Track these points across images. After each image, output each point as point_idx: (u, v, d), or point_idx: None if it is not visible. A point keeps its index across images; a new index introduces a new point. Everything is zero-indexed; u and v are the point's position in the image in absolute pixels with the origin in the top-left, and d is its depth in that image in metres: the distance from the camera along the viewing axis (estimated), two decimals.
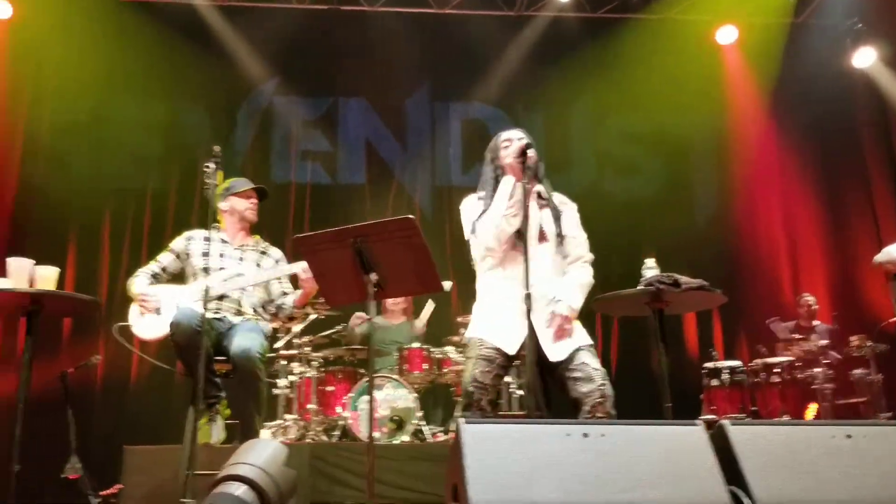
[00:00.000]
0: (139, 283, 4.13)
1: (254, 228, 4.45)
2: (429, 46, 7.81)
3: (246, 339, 3.77)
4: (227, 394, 4.01)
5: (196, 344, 3.52)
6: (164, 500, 4.66)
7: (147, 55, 7.53)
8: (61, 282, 4.33)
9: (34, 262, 3.85)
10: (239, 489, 0.94)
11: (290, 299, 4.16)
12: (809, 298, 7.11)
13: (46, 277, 3.84)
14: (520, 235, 3.17)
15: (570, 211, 3.41)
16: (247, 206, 4.30)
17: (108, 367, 6.91)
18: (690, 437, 2.31)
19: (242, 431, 3.72)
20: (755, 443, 2.29)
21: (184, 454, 3.60)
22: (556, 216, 3.30)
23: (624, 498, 2.14)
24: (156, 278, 4.21)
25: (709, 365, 5.99)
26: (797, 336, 6.62)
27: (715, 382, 5.85)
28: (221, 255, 4.16)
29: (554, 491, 2.12)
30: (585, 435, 2.27)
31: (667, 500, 2.16)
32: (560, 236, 3.31)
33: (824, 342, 6.48)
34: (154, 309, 4.00)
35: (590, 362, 3.11)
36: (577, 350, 3.13)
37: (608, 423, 2.35)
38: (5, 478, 3.77)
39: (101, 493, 4.39)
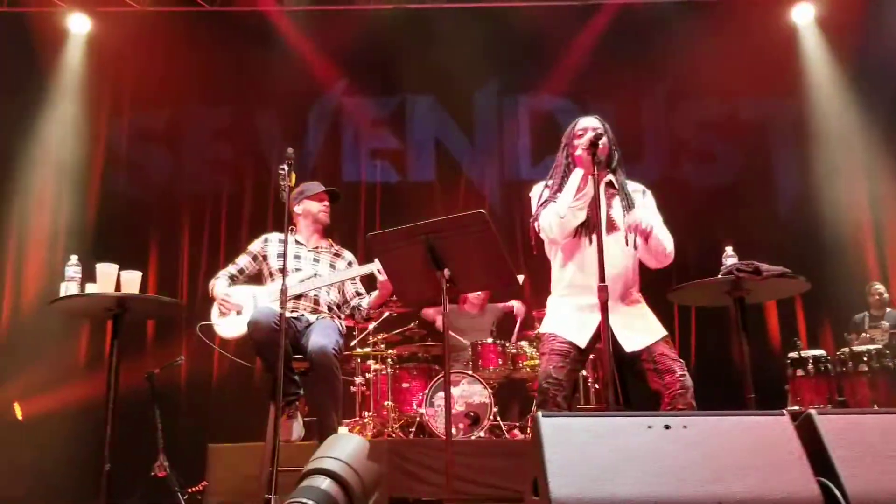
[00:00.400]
0: (219, 284, 4.24)
1: (326, 228, 4.52)
2: (495, 40, 7.77)
3: (322, 337, 3.82)
4: (305, 391, 4.08)
5: (274, 342, 3.59)
6: (247, 496, 4.77)
7: (219, 63, 7.72)
8: (144, 285, 4.48)
9: (119, 266, 4.00)
10: (324, 482, 0.95)
11: (366, 301, 4.23)
12: (880, 287, 6.85)
13: (131, 281, 3.97)
14: (590, 226, 3.13)
15: (644, 199, 3.34)
16: (320, 209, 4.38)
17: (190, 368, 7.11)
18: (776, 428, 2.24)
19: (320, 428, 3.77)
20: (845, 433, 2.21)
21: (266, 451, 3.67)
22: (627, 206, 3.24)
23: (709, 490, 2.09)
24: (234, 279, 4.31)
25: (793, 355, 5.82)
26: (871, 325, 6.42)
27: (800, 373, 5.68)
28: (297, 257, 4.25)
29: (636, 484, 2.08)
30: (667, 427, 2.22)
31: (753, 493, 2.10)
32: (630, 226, 3.24)
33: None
34: (235, 309, 4.10)
35: (668, 353, 3.06)
36: (655, 342, 3.08)
37: (690, 415, 2.30)
38: (97, 477, 3.91)
39: (187, 489, 4.52)
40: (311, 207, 4.36)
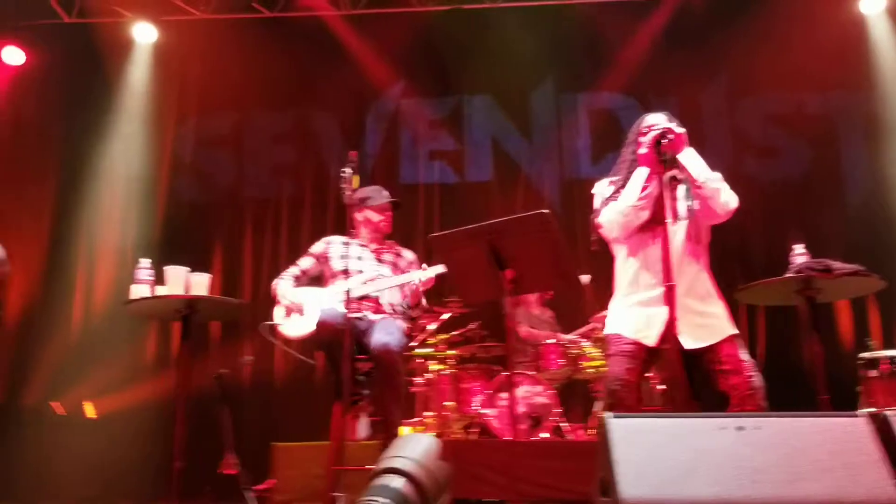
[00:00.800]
0: (283, 284, 4.32)
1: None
2: (552, 38, 7.71)
3: (386, 334, 3.86)
4: (368, 390, 4.11)
5: (341, 342, 3.63)
6: (313, 494, 4.84)
7: (279, 67, 7.82)
8: (210, 287, 4.59)
9: (189, 269, 4.10)
10: (397, 481, 0.96)
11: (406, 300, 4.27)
12: None
13: (200, 283, 4.09)
14: (654, 223, 3.09)
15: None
16: (381, 220, 4.44)
17: (255, 368, 7.25)
18: (852, 429, 2.20)
19: (384, 425, 3.80)
20: None
21: (331, 450, 3.72)
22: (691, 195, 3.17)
23: (784, 492, 2.06)
24: (297, 280, 4.38)
25: (865, 355, 5.65)
26: None
27: (873, 373, 5.50)
28: (359, 258, 4.29)
29: (710, 486, 2.06)
30: (740, 428, 2.19)
31: (830, 495, 2.06)
32: (691, 211, 3.17)
33: None
34: (299, 309, 4.16)
35: (736, 353, 3.01)
36: (723, 341, 3.03)
37: (763, 416, 2.26)
38: (168, 475, 4.02)
39: (255, 487, 4.60)
40: (372, 217, 4.41)
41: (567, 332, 6.48)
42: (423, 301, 4.27)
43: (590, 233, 3.35)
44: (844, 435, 2.19)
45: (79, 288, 7.61)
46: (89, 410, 7.14)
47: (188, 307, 4.09)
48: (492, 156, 8.06)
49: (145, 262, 4.15)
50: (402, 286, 4.32)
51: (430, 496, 1.03)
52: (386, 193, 4.48)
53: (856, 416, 2.26)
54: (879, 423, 2.25)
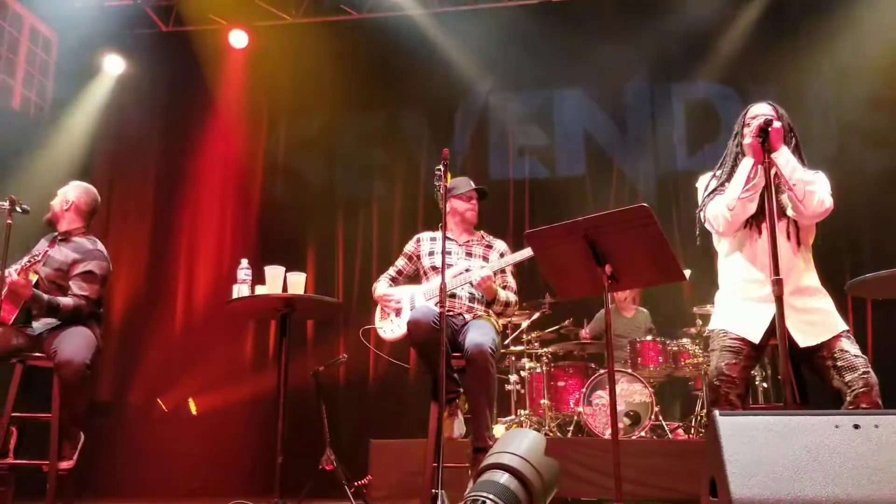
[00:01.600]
0: (380, 286, 4.34)
1: (475, 224, 4.50)
2: (644, 29, 7.54)
3: (479, 335, 3.83)
4: (463, 389, 4.10)
5: (434, 341, 3.63)
6: (410, 490, 4.90)
7: (368, 69, 7.97)
8: (305, 286, 4.68)
9: (285, 269, 4.20)
10: (503, 477, 0.96)
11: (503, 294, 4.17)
12: None
13: (297, 282, 4.18)
14: (761, 216, 3.00)
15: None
16: (466, 208, 4.35)
17: (348, 366, 7.35)
18: None
19: (474, 425, 3.77)
20: None
21: (428, 447, 3.74)
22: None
23: None
24: (394, 281, 4.40)
25: None
26: None
27: None
28: (448, 253, 4.21)
29: (826, 485, 1.98)
30: (856, 426, 2.10)
31: None
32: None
33: None
34: (395, 309, 4.19)
35: (849, 349, 2.89)
36: (835, 337, 2.91)
37: (881, 414, 2.15)
38: (268, 470, 4.12)
39: (354, 483, 4.67)
40: (457, 206, 4.34)
41: (666, 332, 6.36)
42: (504, 296, 4.16)
43: (695, 227, 3.27)
44: None
45: (180, 287, 7.91)
46: (192, 407, 7.40)
47: (286, 306, 4.19)
48: (584, 149, 7.96)
49: (244, 263, 4.26)
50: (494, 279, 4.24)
51: (537, 492, 1.01)
52: (471, 183, 4.41)
53: None
54: None
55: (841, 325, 2.96)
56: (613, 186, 7.73)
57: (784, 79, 7.43)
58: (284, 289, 4.16)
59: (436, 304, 3.83)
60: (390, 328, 4.20)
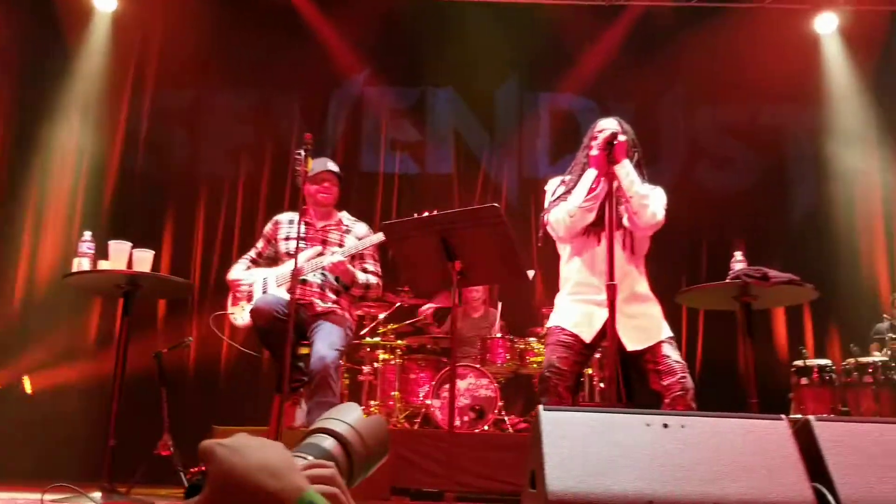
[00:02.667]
0: (234, 270, 4.23)
1: (335, 207, 4.40)
2: (519, 36, 7.75)
3: (324, 346, 3.75)
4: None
5: (276, 330, 3.60)
6: None
7: (242, 45, 7.74)
8: (158, 265, 4.53)
9: (132, 245, 4.06)
10: (326, 441, 0.99)
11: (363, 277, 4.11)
12: None
13: (143, 259, 4.03)
14: (600, 225, 3.16)
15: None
16: (317, 190, 4.22)
17: (199, 350, 7.15)
18: (774, 432, 2.27)
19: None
20: (842, 439, 2.23)
21: (269, 436, 3.70)
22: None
23: (705, 490, 2.12)
24: (255, 263, 4.29)
25: (798, 363, 5.83)
26: (891, 335, 6.38)
27: (804, 381, 5.68)
28: (304, 238, 4.13)
29: (634, 481, 2.11)
30: (666, 425, 2.25)
31: (748, 494, 2.13)
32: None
33: None
34: (246, 295, 4.10)
35: (671, 355, 3.08)
36: (659, 342, 3.11)
37: (689, 415, 2.32)
38: (103, 453, 3.98)
39: (191, 469, 4.57)
40: (310, 189, 4.20)
41: (515, 330, 6.55)
42: (363, 279, 4.08)
43: (538, 229, 3.40)
44: (766, 437, 2.26)
45: (23, 259, 7.43)
46: (27, 385, 7.01)
47: (130, 283, 4.04)
48: (453, 149, 8.08)
49: (87, 235, 4.09)
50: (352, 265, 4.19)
51: (360, 459, 1.04)
52: (328, 164, 4.29)
53: (778, 419, 2.33)
54: (800, 426, 2.34)
55: (666, 332, 3.16)
56: (479, 188, 7.90)
57: (641, 97, 7.85)
58: (129, 265, 4.02)
59: (287, 290, 3.81)
60: (241, 315, 4.10)
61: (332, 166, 4.27)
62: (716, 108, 7.98)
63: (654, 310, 3.23)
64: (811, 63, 7.91)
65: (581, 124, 7.64)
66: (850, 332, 6.93)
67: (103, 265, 4.00)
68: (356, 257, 4.11)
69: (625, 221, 3.21)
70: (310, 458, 1.01)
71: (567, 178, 3.37)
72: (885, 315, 6.68)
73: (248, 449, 0.87)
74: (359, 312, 5.82)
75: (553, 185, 3.39)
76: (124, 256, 3.98)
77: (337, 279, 4.13)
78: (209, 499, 0.84)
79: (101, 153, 7.66)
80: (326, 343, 3.79)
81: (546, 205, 3.34)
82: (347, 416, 1.12)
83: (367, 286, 4.11)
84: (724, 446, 2.21)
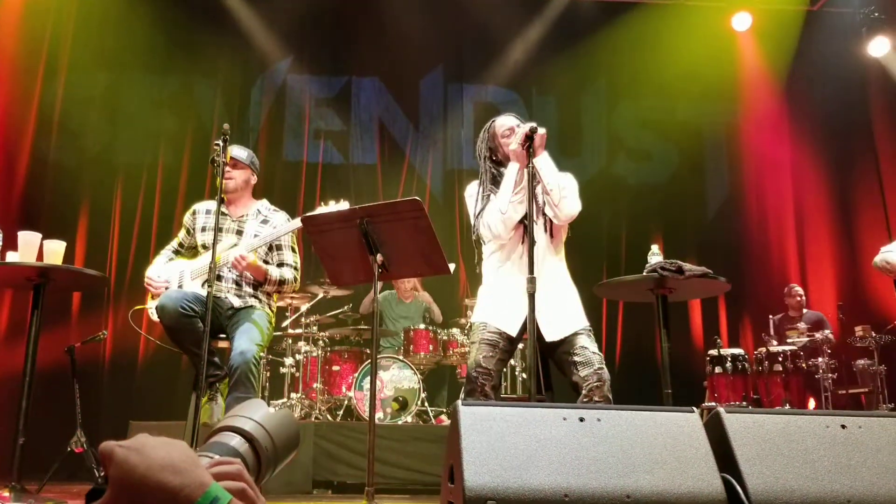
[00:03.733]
0: (153, 265, 4.06)
1: (251, 194, 4.19)
2: (444, 27, 7.77)
3: (244, 341, 3.63)
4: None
5: (183, 327, 3.51)
6: None
7: (161, 30, 7.50)
8: (71, 256, 4.35)
9: (42, 236, 3.90)
10: (233, 439, 0.96)
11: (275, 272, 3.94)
12: (800, 289, 7.12)
13: (54, 251, 3.87)
14: (522, 219, 3.17)
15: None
16: (222, 179, 3.81)
17: (116, 345, 6.95)
18: (685, 424, 2.32)
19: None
20: (750, 431, 2.30)
21: (186, 432, 3.61)
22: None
23: (619, 483, 2.15)
24: (177, 254, 4.14)
25: (712, 352, 6.01)
26: (787, 326, 6.70)
27: (718, 370, 5.87)
28: (220, 229, 3.95)
29: (550, 475, 2.13)
30: (582, 419, 2.27)
31: (661, 486, 2.18)
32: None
33: (825, 331, 6.50)
34: (162, 290, 3.94)
35: (588, 346, 3.12)
36: (576, 333, 3.13)
37: (604, 408, 2.35)
38: (10, 450, 3.82)
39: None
40: (218, 179, 3.83)
41: (445, 321, 6.59)
42: (276, 274, 3.89)
43: (472, 235, 3.36)
44: (678, 429, 2.31)
45: None
46: None
47: (40, 276, 3.88)
48: (377, 139, 8.04)
49: None
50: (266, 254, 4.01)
51: (268, 456, 1.02)
52: (234, 151, 4.02)
53: (690, 411, 2.39)
54: (711, 418, 2.40)
55: (583, 322, 3.20)
56: (403, 178, 7.88)
57: (563, 91, 7.95)
58: (40, 257, 3.86)
59: (202, 284, 3.71)
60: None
61: (236, 151, 4.06)
62: (636, 102, 8.15)
63: (573, 299, 3.26)
64: (728, 60, 8.15)
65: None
66: (761, 323, 7.20)
67: (12, 257, 3.83)
68: (272, 248, 3.99)
69: (546, 210, 3.23)
70: (215, 456, 0.99)
71: (479, 185, 3.34)
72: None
73: (148, 448, 0.86)
74: (280, 304, 5.75)
75: (473, 190, 3.36)
76: (34, 248, 3.82)
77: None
78: (111, 500, 0.83)
79: (12, 139, 7.32)
80: (246, 338, 3.69)
81: (473, 211, 3.29)
82: (254, 413, 1.10)
83: (281, 282, 3.92)
84: (638, 439, 2.25)
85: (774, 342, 6.36)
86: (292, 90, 8.06)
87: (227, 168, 3.96)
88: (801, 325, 6.59)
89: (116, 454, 0.83)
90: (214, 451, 0.99)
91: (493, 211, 3.19)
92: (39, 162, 7.30)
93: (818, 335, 6.35)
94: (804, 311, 7.04)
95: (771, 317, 6.83)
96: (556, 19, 7.96)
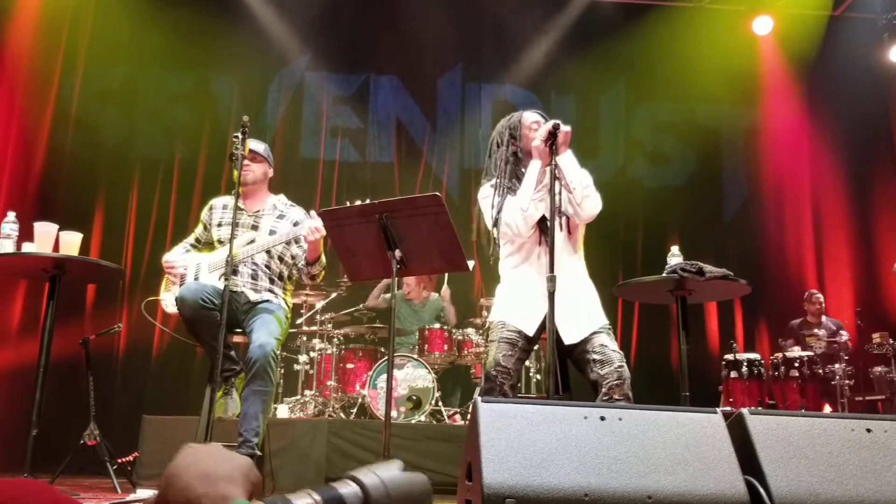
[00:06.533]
0: (168, 254, 4.05)
1: (267, 189, 4.15)
2: (463, 27, 7.76)
3: (263, 334, 3.63)
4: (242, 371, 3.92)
5: (202, 319, 3.49)
6: None
7: (180, 26, 7.51)
8: (87, 248, 4.34)
9: (59, 227, 3.90)
10: (346, 487, 0.93)
11: (302, 259, 3.92)
12: (819, 296, 7.07)
13: (70, 243, 3.88)
14: (542, 218, 3.14)
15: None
16: (241, 172, 3.84)
17: (131, 338, 6.97)
18: (708, 425, 2.29)
19: (244, 426, 3.59)
20: (773, 433, 2.26)
21: (200, 427, 3.60)
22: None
23: (640, 483, 2.13)
24: (194, 248, 4.14)
25: (728, 357, 5.97)
26: (806, 332, 6.65)
27: (734, 375, 5.82)
28: (236, 224, 3.93)
29: (570, 474, 2.10)
30: (602, 418, 2.25)
31: (683, 487, 2.15)
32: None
33: (842, 337, 6.45)
34: (180, 276, 3.94)
35: (608, 344, 3.09)
36: (596, 332, 3.10)
37: (625, 408, 2.32)
38: (24, 441, 3.83)
39: (118, 459, 4.43)
40: (235, 171, 3.84)
41: (460, 321, 6.58)
42: (324, 259, 3.88)
43: (488, 242, 3.30)
44: (701, 430, 2.28)
45: None
46: None
47: (56, 267, 3.88)
48: (395, 137, 8.04)
49: (11, 216, 3.90)
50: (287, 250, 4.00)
51: None
52: (252, 144, 3.97)
53: (713, 412, 2.36)
54: (734, 420, 2.37)
55: (603, 321, 3.17)
56: (420, 177, 7.88)
57: (582, 92, 7.94)
58: (56, 249, 3.86)
59: (220, 278, 3.70)
60: (172, 301, 3.91)
61: (254, 144, 4.05)
62: (655, 104, 8.12)
63: (593, 297, 3.23)
64: (748, 63, 8.10)
65: None
66: (778, 328, 7.14)
67: (28, 247, 3.83)
68: (290, 243, 3.97)
69: (566, 209, 3.20)
70: (316, 496, 0.97)
71: (495, 181, 3.28)
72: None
73: (205, 455, 0.92)
74: (296, 300, 5.74)
75: (488, 192, 3.29)
76: (51, 239, 3.82)
77: (267, 266, 3.97)
78: (161, 493, 0.92)
79: (30, 132, 7.35)
80: (265, 331, 3.68)
81: (491, 212, 3.21)
82: (383, 470, 1.06)
83: (323, 266, 3.91)
84: (660, 439, 2.22)
85: (796, 347, 6.32)
86: (310, 87, 8.07)
87: (246, 161, 3.92)
88: (821, 332, 6.54)
89: (179, 453, 0.96)
90: (321, 493, 0.96)
91: (515, 209, 3.14)
92: (57, 155, 7.33)
93: (837, 340, 6.31)
94: (823, 318, 6.98)
95: (792, 322, 6.78)
96: (575, 20, 7.94)
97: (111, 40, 7.39)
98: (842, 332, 6.67)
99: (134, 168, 7.53)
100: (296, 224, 3.97)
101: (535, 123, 3.26)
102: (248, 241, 3.89)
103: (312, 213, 3.85)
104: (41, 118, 7.36)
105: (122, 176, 7.47)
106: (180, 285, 3.90)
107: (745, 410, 2.36)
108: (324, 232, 3.69)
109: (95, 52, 7.46)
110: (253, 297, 3.85)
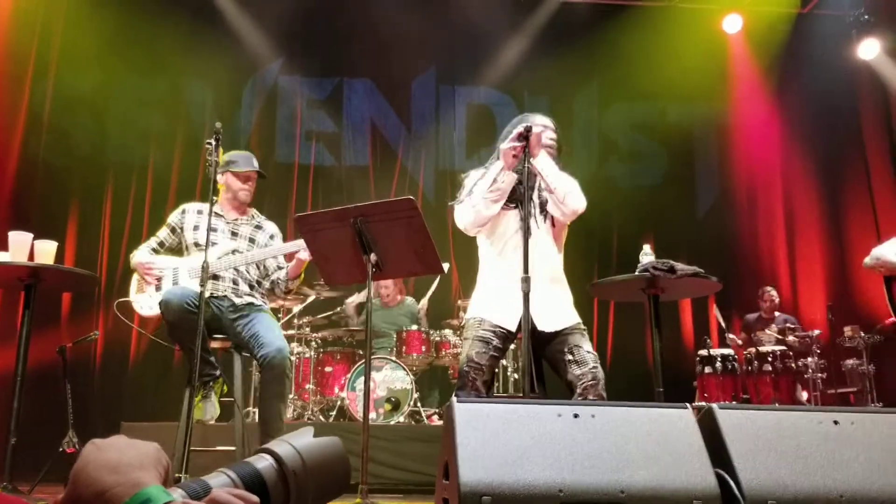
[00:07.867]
0: (140, 254, 4.03)
1: (256, 208, 4.30)
2: (436, 29, 7.75)
3: (276, 337, 3.69)
4: (259, 387, 3.98)
5: (186, 323, 3.50)
6: None
7: (153, 30, 7.48)
8: (61, 256, 4.33)
9: (33, 236, 3.89)
10: (261, 462, 0.93)
11: (284, 273, 4.00)
12: (773, 291, 7.18)
13: (45, 251, 3.87)
14: (520, 213, 3.16)
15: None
16: (241, 188, 4.07)
17: (107, 344, 6.92)
18: (679, 420, 2.33)
19: (264, 430, 3.67)
20: (743, 427, 2.31)
21: (179, 432, 3.60)
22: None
23: (613, 478, 2.16)
24: (155, 253, 4.12)
25: (702, 353, 6.04)
26: (759, 327, 6.78)
27: (708, 370, 5.91)
28: (213, 230, 3.86)
29: (545, 470, 2.14)
30: (576, 415, 2.28)
31: (655, 481, 2.19)
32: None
33: (795, 332, 6.57)
34: (156, 279, 3.93)
35: (583, 345, 3.13)
36: (571, 331, 3.14)
37: (599, 405, 2.36)
38: (2, 450, 3.81)
39: None
40: (232, 184, 4.06)
41: (431, 322, 6.59)
42: (283, 274, 3.99)
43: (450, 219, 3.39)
44: (672, 425, 2.33)
45: None
46: None
47: (31, 276, 3.87)
48: (370, 141, 8.05)
49: None
50: (264, 261, 4.06)
51: (299, 487, 0.98)
52: (255, 162, 4.14)
53: (683, 408, 2.40)
54: (704, 414, 2.41)
55: (577, 320, 3.21)
56: (395, 180, 7.89)
57: (556, 92, 7.99)
58: (31, 257, 3.84)
59: (200, 283, 3.70)
60: (148, 304, 3.89)
61: (258, 166, 4.17)
62: (627, 104, 8.19)
63: (567, 295, 3.28)
64: (719, 62, 8.19)
65: (496, 118, 7.73)
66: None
67: (2, 257, 3.82)
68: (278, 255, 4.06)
69: (551, 209, 3.24)
70: (233, 474, 0.97)
71: (482, 169, 3.35)
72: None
73: (108, 447, 0.91)
74: (273, 305, 5.74)
75: (475, 175, 3.34)
76: (25, 248, 3.81)
77: (247, 271, 4.03)
78: (67, 492, 0.88)
79: (1, 139, 7.27)
80: (276, 334, 3.73)
81: (461, 196, 3.31)
82: (297, 439, 1.06)
83: (301, 281, 4.06)
84: (632, 435, 2.26)
85: (739, 342, 6.44)
86: (284, 91, 8.06)
87: (251, 183, 4.12)
88: (773, 327, 6.66)
89: (83, 451, 0.89)
90: (235, 470, 0.97)
91: (465, 204, 3.20)
92: (29, 162, 7.25)
93: (788, 337, 6.41)
94: (776, 313, 7.09)
95: (748, 316, 6.88)
96: (548, 21, 7.99)
97: (83, 45, 7.32)
98: (791, 326, 6.76)
99: (107, 174, 7.47)
100: (272, 237, 4.05)
101: (537, 127, 3.28)
102: (231, 250, 3.92)
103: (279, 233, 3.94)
104: (13, 124, 7.28)
105: (95, 182, 7.40)
106: (156, 289, 3.89)
107: (714, 405, 2.41)
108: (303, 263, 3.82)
109: (67, 57, 7.39)
110: (236, 301, 3.88)
